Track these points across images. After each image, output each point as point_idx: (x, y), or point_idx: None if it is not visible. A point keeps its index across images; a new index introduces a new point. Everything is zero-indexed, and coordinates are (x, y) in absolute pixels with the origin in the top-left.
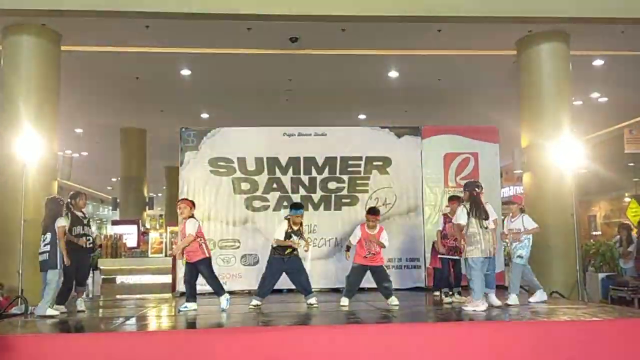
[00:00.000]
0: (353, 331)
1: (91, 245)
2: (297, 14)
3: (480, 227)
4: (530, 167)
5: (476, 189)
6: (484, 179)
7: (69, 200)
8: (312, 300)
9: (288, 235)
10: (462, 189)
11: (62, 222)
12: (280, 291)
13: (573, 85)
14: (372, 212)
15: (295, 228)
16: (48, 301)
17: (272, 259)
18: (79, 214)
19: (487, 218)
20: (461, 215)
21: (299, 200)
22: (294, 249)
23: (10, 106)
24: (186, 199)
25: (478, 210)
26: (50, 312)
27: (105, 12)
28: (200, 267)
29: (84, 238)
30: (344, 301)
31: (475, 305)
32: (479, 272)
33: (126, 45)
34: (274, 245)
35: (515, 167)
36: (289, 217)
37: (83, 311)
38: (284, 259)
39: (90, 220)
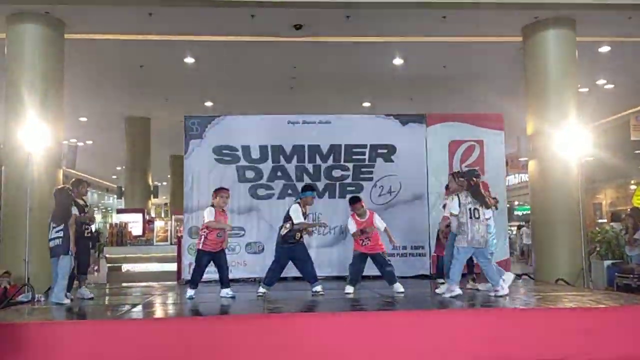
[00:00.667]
0: (357, 318)
1: (89, 234)
2: (301, 0)
3: (471, 217)
4: (536, 155)
5: (474, 178)
6: (489, 166)
7: (69, 187)
8: (318, 287)
9: (304, 218)
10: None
11: (75, 211)
12: (285, 279)
13: (579, 72)
14: (352, 201)
15: (306, 211)
16: (63, 287)
17: (281, 249)
18: (81, 202)
19: (488, 207)
20: (454, 205)
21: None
22: (302, 235)
23: (14, 95)
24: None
25: (479, 199)
26: (66, 300)
27: (109, 0)
28: (223, 257)
29: (83, 226)
30: (349, 289)
31: (451, 291)
32: (460, 261)
33: (130, 33)
34: (285, 232)
35: (521, 154)
36: (299, 200)
37: (92, 298)
38: (292, 248)
39: (92, 208)
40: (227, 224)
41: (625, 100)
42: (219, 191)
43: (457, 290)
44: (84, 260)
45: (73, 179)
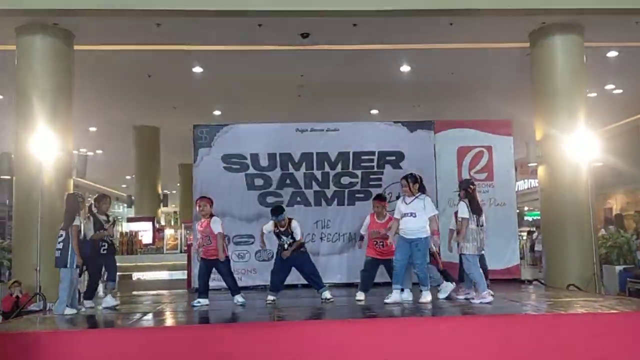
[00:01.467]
0: (368, 325)
1: (105, 251)
2: (308, 9)
3: (477, 224)
4: (545, 160)
5: (471, 186)
6: (498, 172)
7: (93, 203)
8: (327, 294)
9: (277, 236)
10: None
11: (77, 222)
12: (295, 286)
13: (587, 77)
14: (379, 197)
15: (282, 229)
16: (64, 300)
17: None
18: (102, 217)
19: (481, 215)
20: (465, 210)
21: (312, 197)
22: (302, 245)
23: (25, 106)
24: (206, 197)
25: (475, 207)
26: (68, 311)
27: (117, 11)
28: (220, 266)
29: (100, 243)
30: (360, 295)
31: (483, 297)
32: (477, 267)
33: (138, 44)
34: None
35: (530, 160)
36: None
37: (116, 307)
38: (293, 256)
39: (116, 220)
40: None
41: (634, 105)
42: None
43: (490, 297)
44: (110, 270)
45: (97, 194)
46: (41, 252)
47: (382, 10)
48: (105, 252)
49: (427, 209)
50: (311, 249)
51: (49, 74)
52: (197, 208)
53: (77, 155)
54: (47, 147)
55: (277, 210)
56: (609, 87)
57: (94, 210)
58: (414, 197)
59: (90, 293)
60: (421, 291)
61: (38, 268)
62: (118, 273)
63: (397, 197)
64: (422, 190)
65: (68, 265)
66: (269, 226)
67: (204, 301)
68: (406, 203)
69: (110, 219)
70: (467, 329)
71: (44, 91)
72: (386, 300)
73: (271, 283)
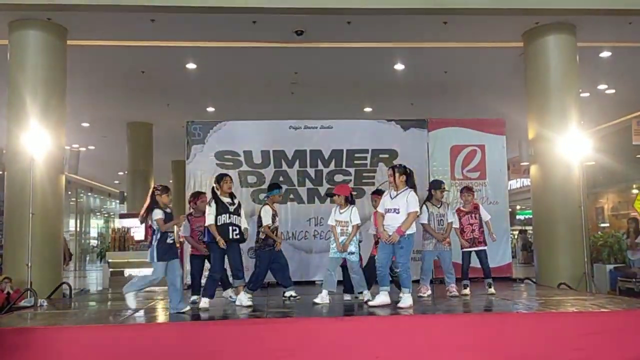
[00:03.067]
0: (359, 323)
1: (237, 236)
2: (303, 6)
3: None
4: (537, 159)
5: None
6: (491, 171)
7: (214, 184)
8: (292, 292)
9: (274, 219)
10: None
11: (157, 215)
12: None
13: (580, 77)
14: (377, 192)
15: (276, 212)
16: (132, 287)
17: (261, 253)
18: (226, 199)
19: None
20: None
21: (305, 194)
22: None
23: (17, 101)
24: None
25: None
26: (130, 298)
27: (111, 6)
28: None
29: (230, 228)
30: (366, 294)
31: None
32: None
33: (132, 39)
34: (262, 236)
35: (522, 159)
36: (267, 199)
37: (250, 306)
38: (272, 251)
39: (240, 206)
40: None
41: (627, 105)
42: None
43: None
44: (234, 263)
45: (218, 174)
46: (32, 247)
47: (376, 9)
48: (238, 236)
49: (409, 205)
50: (304, 246)
51: (41, 69)
52: (196, 203)
53: (69, 150)
54: (39, 142)
55: (277, 184)
56: (602, 87)
57: (216, 192)
58: (399, 192)
59: (210, 289)
60: (400, 295)
61: (29, 264)
62: (110, 269)
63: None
64: (410, 185)
65: (153, 260)
66: (269, 210)
67: (196, 298)
68: (391, 197)
69: (235, 201)
70: (459, 327)
71: (36, 86)
72: (371, 303)
73: (253, 282)
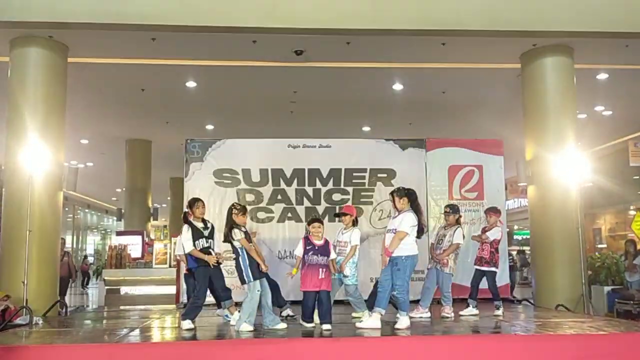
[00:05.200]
0: (358, 343)
1: (216, 263)
2: (302, 27)
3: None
4: (535, 180)
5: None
6: (488, 191)
7: (186, 209)
8: (289, 311)
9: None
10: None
11: (237, 235)
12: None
13: (577, 99)
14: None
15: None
16: (244, 316)
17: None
18: (199, 224)
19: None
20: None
21: (303, 213)
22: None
23: (17, 117)
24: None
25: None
26: (244, 327)
27: (112, 25)
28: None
29: (210, 252)
30: (366, 315)
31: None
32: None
33: (132, 58)
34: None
35: (520, 179)
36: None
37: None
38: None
39: (214, 229)
40: None
41: (624, 126)
42: None
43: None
44: (218, 284)
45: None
46: (29, 265)
47: (375, 29)
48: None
49: (401, 225)
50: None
51: (42, 86)
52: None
53: (67, 167)
54: (37, 159)
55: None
56: (599, 108)
57: (187, 216)
58: (398, 213)
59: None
60: (398, 316)
61: (25, 281)
62: (106, 287)
63: (389, 215)
64: (414, 206)
65: (246, 281)
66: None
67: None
68: (392, 219)
69: (209, 225)
70: (455, 349)
71: (36, 103)
72: (359, 324)
73: (281, 298)
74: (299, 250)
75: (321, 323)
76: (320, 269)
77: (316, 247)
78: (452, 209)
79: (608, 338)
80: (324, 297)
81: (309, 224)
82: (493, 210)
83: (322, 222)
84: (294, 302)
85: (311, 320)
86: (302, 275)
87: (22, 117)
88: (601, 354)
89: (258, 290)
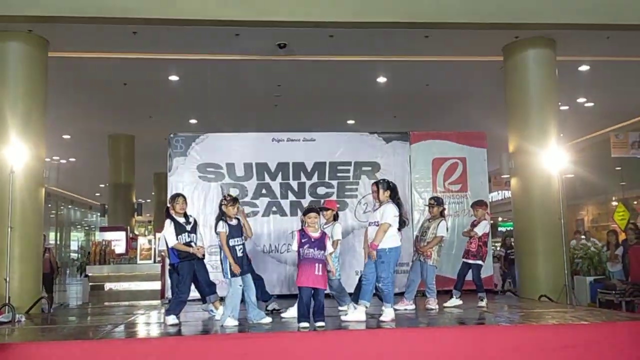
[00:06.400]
0: (343, 336)
1: (201, 256)
2: (285, 19)
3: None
4: (518, 172)
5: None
6: (472, 183)
7: (169, 204)
8: (275, 305)
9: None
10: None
11: (220, 228)
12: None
13: (559, 91)
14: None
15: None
16: (227, 310)
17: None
18: (181, 219)
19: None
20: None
21: (287, 207)
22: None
23: None
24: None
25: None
26: (228, 321)
27: (93, 19)
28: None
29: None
30: (351, 307)
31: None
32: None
33: (114, 52)
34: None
35: (503, 171)
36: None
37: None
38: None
39: (196, 224)
40: None
41: (605, 118)
42: None
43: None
44: (202, 279)
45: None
46: (11, 262)
47: (358, 22)
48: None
49: (383, 216)
50: (287, 259)
51: (22, 80)
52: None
53: (49, 163)
54: (18, 155)
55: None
56: (581, 100)
57: (170, 211)
58: (379, 205)
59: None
60: (383, 308)
61: (7, 279)
62: (90, 283)
63: (373, 209)
64: (395, 200)
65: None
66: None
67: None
68: (373, 211)
69: (191, 219)
70: (439, 340)
71: (16, 98)
72: (345, 317)
73: (265, 293)
74: (295, 245)
75: (315, 321)
76: (317, 265)
77: (312, 240)
78: (436, 202)
79: (590, 328)
80: (318, 296)
81: (304, 215)
82: (479, 204)
83: (318, 212)
84: (279, 297)
85: (307, 319)
86: (298, 269)
87: (2, 113)
88: (583, 344)
89: (240, 285)
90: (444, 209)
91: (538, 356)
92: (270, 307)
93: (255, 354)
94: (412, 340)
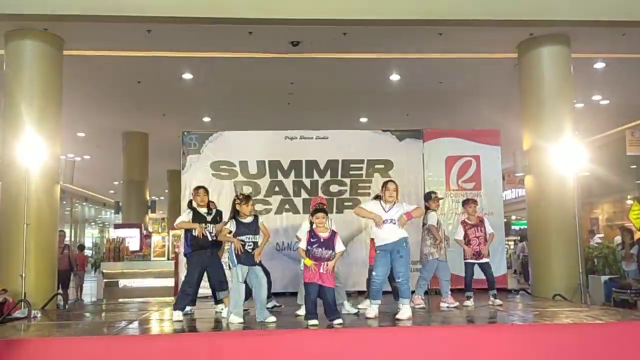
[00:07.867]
0: (353, 335)
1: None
2: (299, 17)
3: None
4: (532, 170)
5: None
6: (486, 181)
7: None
8: (274, 302)
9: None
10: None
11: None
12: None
13: (574, 88)
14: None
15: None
16: (230, 307)
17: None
18: (202, 209)
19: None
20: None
21: (300, 204)
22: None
23: (13, 111)
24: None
25: None
26: (232, 319)
27: (108, 17)
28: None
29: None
30: (347, 305)
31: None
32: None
33: (128, 50)
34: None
35: (517, 169)
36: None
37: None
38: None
39: (219, 215)
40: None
41: (621, 115)
42: None
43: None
44: (215, 274)
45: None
46: (27, 258)
47: (371, 20)
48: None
49: (405, 207)
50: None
51: (37, 79)
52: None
53: (64, 160)
54: (34, 152)
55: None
56: (596, 97)
57: (191, 202)
58: (393, 205)
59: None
60: (400, 306)
61: (23, 275)
62: (104, 280)
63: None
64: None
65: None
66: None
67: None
68: (386, 211)
69: (213, 211)
70: (454, 339)
71: (32, 96)
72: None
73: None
74: (302, 243)
75: (330, 320)
76: (323, 263)
77: (322, 240)
78: (424, 197)
79: (605, 327)
80: (326, 294)
81: (312, 215)
82: (473, 201)
83: (326, 212)
84: (291, 294)
85: (315, 316)
86: (304, 266)
87: (18, 110)
88: (598, 343)
89: (240, 281)
90: (427, 203)
91: (553, 355)
92: (270, 305)
93: (268, 351)
94: (426, 338)
